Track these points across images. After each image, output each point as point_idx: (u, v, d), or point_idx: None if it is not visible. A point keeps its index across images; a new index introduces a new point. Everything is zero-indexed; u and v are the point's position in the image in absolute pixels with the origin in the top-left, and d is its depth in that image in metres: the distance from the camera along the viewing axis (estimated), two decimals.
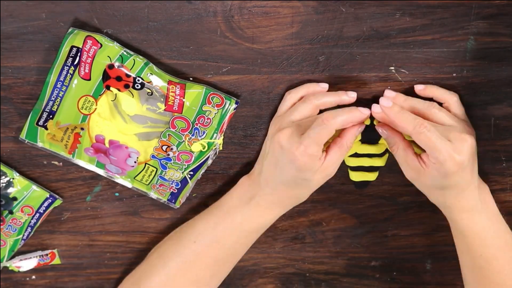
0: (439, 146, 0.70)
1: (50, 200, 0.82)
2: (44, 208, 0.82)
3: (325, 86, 0.76)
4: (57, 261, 0.87)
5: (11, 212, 0.82)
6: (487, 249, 0.75)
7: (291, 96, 0.76)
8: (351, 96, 0.75)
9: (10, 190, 0.81)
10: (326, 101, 0.75)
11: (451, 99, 0.76)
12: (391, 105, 0.72)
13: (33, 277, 0.88)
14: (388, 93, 0.75)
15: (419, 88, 0.76)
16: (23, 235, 0.83)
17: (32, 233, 0.84)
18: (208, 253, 0.78)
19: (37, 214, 0.83)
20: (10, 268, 0.86)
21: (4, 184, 0.81)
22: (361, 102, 0.78)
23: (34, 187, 0.81)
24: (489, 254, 0.75)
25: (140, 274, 0.80)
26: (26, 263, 0.86)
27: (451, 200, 0.75)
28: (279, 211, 0.78)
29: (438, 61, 0.76)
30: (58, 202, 0.83)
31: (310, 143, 0.71)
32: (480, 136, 0.80)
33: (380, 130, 0.76)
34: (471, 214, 0.75)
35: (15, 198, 0.81)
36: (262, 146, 0.80)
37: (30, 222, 0.83)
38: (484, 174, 0.83)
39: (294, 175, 0.73)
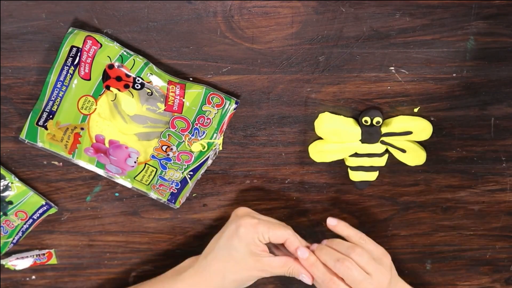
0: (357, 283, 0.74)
1: (45, 208, 0.82)
2: (38, 215, 0.82)
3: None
4: (53, 260, 0.87)
5: (5, 214, 0.82)
6: None
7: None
8: (304, 255, 0.76)
9: (7, 193, 0.81)
10: (294, 240, 0.77)
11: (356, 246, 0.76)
12: (307, 256, 0.76)
13: (33, 277, 0.88)
14: (302, 251, 0.77)
15: (331, 224, 0.78)
16: (13, 239, 0.83)
17: (22, 237, 0.84)
18: None
19: (30, 220, 0.83)
20: (6, 266, 0.86)
21: (2, 188, 0.81)
22: (357, 105, 0.78)
23: (31, 193, 0.81)
24: None
25: None
26: (22, 262, 0.86)
27: None
28: None
29: (438, 61, 0.76)
30: (53, 210, 0.83)
31: (263, 223, 0.75)
32: (480, 136, 0.80)
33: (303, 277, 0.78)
34: None
35: (10, 202, 0.81)
36: (261, 149, 0.80)
37: (22, 227, 0.83)
38: (484, 174, 0.83)
39: (233, 244, 0.75)
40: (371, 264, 0.75)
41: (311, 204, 0.85)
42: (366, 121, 0.78)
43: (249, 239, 0.75)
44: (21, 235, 0.83)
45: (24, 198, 0.81)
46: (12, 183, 0.81)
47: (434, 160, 0.82)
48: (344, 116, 0.79)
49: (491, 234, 0.87)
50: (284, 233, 0.76)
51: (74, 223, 0.85)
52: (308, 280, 0.76)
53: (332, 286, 0.74)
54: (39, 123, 0.77)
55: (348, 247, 0.76)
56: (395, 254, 0.88)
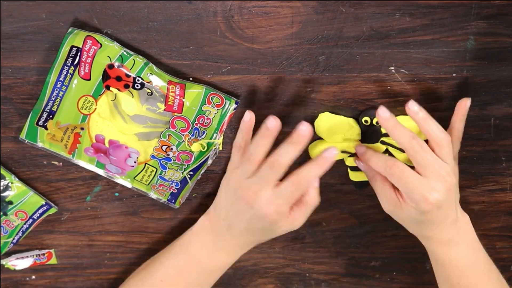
0: (411, 187, 0.71)
1: (45, 208, 0.82)
2: (38, 215, 0.82)
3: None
4: (53, 260, 0.87)
5: (5, 214, 0.82)
6: (465, 278, 0.76)
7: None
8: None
9: (7, 193, 0.81)
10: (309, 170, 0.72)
11: (442, 140, 0.73)
12: (364, 150, 0.75)
13: (33, 277, 0.88)
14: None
15: (420, 118, 0.73)
16: (13, 239, 0.83)
17: (22, 237, 0.84)
18: None
19: (30, 220, 0.83)
20: (6, 266, 0.86)
21: (2, 187, 0.81)
22: (357, 105, 0.78)
23: (31, 193, 0.81)
24: (467, 282, 0.76)
25: None
26: (22, 262, 0.86)
27: (428, 233, 0.76)
28: (240, 252, 0.78)
29: (438, 61, 0.76)
30: (53, 210, 0.83)
31: (282, 203, 0.71)
32: (480, 136, 0.80)
33: (358, 163, 0.78)
34: (449, 246, 0.76)
35: (10, 202, 0.81)
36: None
37: (22, 227, 0.83)
38: (484, 174, 0.83)
39: (262, 227, 0.73)
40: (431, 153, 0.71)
41: None
42: (366, 121, 0.78)
43: (276, 220, 0.72)
44: (21, 235, 0.83)
45: (24, 198, 0.81)
46: (12, 183, 0.81)
47: None
48: (344, 116, 0.79)
49: (491, 234, 0.87)
50: (303, 188, 0.72)
51: (74, 223, 0.85)
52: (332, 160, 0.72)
53: (396, 170, 0.71)
54: (39, 123, 0.77)
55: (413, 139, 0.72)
56: (395, 254, 0.88)
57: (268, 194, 0.71)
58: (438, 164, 0.71)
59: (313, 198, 0.74)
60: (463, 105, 0.75)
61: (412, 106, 0.72)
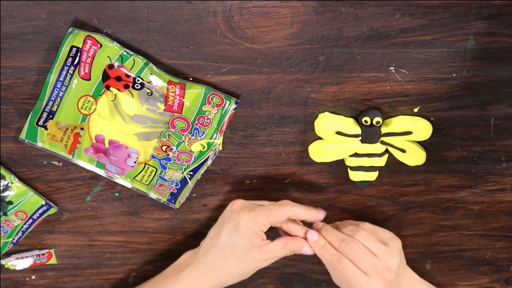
0: (353, 283, 0.75)
1: (45, 208, 0.82)
2: (38, 215, 0.82)
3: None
4: (53, 261, 0.87)
5: (5, 214, 0.82)
6: None
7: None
8: (321, 215, 0.78)
9: (6, 193, 0.81)
10: (296, 211, 0.77)
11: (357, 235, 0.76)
12: (316, 239, 0.76)
13: (33, 277, 0.88)
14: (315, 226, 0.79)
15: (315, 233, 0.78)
16: (13, 239, 0.83)
17: (22, 237, 0.84)
18: None
19: (30, 220, 0.83)
20: (6, 266, 0.86)
21: (2, 188, 0.81)
22: (357, 105, 0.78)
23: (31, 193, 0.81)
24: None
25: None
26: (22, 262, 0.86)
27: None
28: (208, 285, 0.78)
29: (438, 61, 0.76)
30: (53, 210, 0.83)
31: (261, 214, 0.74)
32: (480, 136, 0.80)
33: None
34: None
35: (10, 202, 0.81)
36: (260, 149, 0.80)
37: (22, 227, 0.83)
38: (484, 174, 0.83)
39: (235, 241, 0.75)
40: (377, 246, 0.75)
41: (311, 204, 0.85)
42: (366, 121, 0.78)
43: (250, 234, 0.75)
44: (21, 235, 0.83)
45: (24, 198, 0.81)
46: (12, 183, 0.81)
47: (434, 160, 0.82)
48: (344, 116, 0.79)
49: (491, 234, 0.87)
50: (282, 215, 0.76)
51: (74, 223, 0.85)
52: (310, 252, 0.77)
53: (339, 266, 0.75)
54: (39, 123, 0.77)
55: (353, 229, 0.76)
56: None
57: (245, 201, 0.77)
58: (374, 262, 0.74)
59: (295, 246, 0.77)
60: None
61: (311, 236, 0.77)
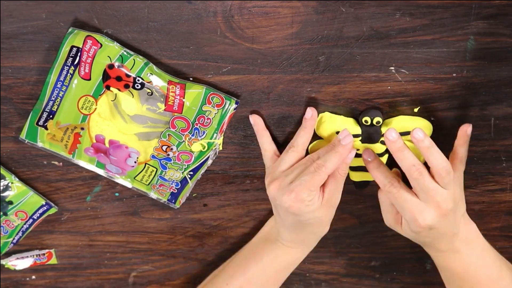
0: (405, 207, 0.73)
1: (45, 208, 0.82)
2: (38, 215, 0.83)
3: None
4: (53, 261, 0.87)
5: (5, 214, 0.82)
6: (467, 283, 0.77)
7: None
8: (350, 149, 0.74)
9: (7, 193, 0.81)
10: (332, 162, 0.73)
11: (442, 169, 0.72)
12: (371, 158, 0.75)
13: (33, 277, 0.88)
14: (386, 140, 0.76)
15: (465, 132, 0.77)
16: (13, 239, 0.83)
17: (22, 237, 0.84)
18: None
19: (30, 220, 0.83)
20: (6, 266, 0.86)
21: (2, 187, 0.81)
22: (357, 105, 0.78)
23: (31, 193, 0.81)
24: (468, 286, 0.78)
25: None
26: (22, 262, 0.86)
27: (427, 243, 0.77)
28: (303, 249, 0.81)
29: (438, 61, 0.76)
30: (53, 210, 0.83)
31: (301, 189, 0.72)
32: (480, 136, 0.80)
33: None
34: (448, 254, 0.77)
35: (11, 202, 0.81)
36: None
37: (22, 227, 0.83)
38: (484, 174, 0.83)
39: (295, 220, 0.75)
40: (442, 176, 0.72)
41: None
42: (366, 121, 0.78)
43: (304, 209, 0.73)
44: (21, 235, 0.83)
45: (24, 198, 0.81)
46: (12, 183, 0.81)
47: None
48: (344, 116, 0.79)
49: (491, 234, 0.87)
50: (322, 179, 0.73)
51: (74, 223, 0.85)
52: (351, 139, 0.74)
53: (393, 190, 0.73)
54: (39, 123, 0.77)
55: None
56: (395, 254, 0.88)
57: (286, 185, 0.74)
58: (435, 190, 0.72)
59: (342, 170, 0.75)
60: (465, 131, 0.76)
61: (417, 133, 0.71)
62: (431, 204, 0.72)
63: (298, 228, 0.77)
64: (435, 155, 0.71)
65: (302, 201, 0.73)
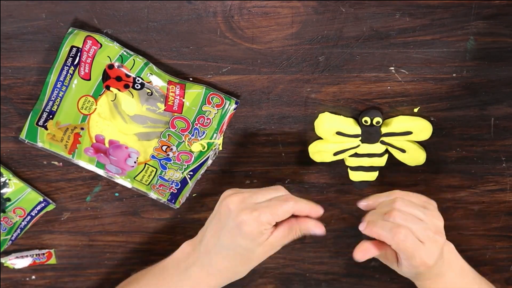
0: (414, 254, 0.70)
1: (43, 204, 0.82)
2: (36, 212, 0.83)
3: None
4: (53, 260, 0.87)
5: (3, 211, 0.82)
6: None
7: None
8: (321, 211, 0.72)
9: (4, 190, 0.81)
10: (300, 206, 0.71)
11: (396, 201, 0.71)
12: (365, 227, 0.72)
13: (33, 277, 0.88)
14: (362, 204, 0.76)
15: (362, 205, 0.75)
16: (12, 236, 0.83)
17: (20, 234, 0.84)
18: None
19: (29, 217, 0.83)
20: (5, 265, 0.86)
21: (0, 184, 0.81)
22: (357, 105, 0.78)
23: (29, 190, 0.81)
24: None
25: None
26: (21, 261, 0.86)
27: (417, 277, 0.76)
28: (214, 285, 0.74)
29: (438, 61, 0.76)
30: (51, 207, 0.83)
31: (265, 211, 0.68)
32: (480, 136, 0.80)
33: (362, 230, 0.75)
34: (435, 279, 0.75)
35: (8, 199, 0.81)
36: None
37: (20, 224, 0.83)
38: (484, 174, 0.83)
39: (238, 242, 0.70)
40: (420, 210, 0.70)
41: None
42: (366, 121, 0.78)
43: (254, 234, 0.69)
44: (19, 232, 0.83)
45: (22, 195, 0.81)
46: (9, 180, 0.81)
47: (434, 160, 0.82)
48: (344, 116, 0.79)
49: (491, 234, 0.87)
50: (287, 211, 0.70)
51: (74, 223, 0.85)
52: (321, 231, 0.72)
53: (401, 237, 0.69)
54: (39, 123, 0.77)
55: (388, 202, 0.71)
56: None
57: (252, 204, 0.70)
58: (424, 227, 0.70)
59: (302, 228, 0.72)
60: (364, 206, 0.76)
61: (361, 227, 0.72)
62: (430, 243, 0.70)
63: (230, 255, 0.71)
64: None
65: (261, 224, 0.69)
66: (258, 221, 0.68)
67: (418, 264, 0.70)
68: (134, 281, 0.78)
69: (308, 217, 0.72)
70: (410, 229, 0.69)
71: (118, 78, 0.75)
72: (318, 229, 0.71)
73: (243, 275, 0.74)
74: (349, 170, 0.82)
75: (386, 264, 0.76)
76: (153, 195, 0.82)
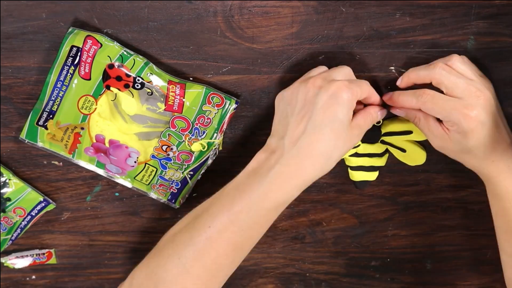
0: (448, 108, 0.69)
1: (43, 204, 0.82)
2: (36, 211, 0.83)
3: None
4: (53, 260, 0.87)
5: (3, 211, 0.82)
6: None
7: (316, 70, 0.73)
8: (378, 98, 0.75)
9: (5, 190, 0.81)
10: (373, 93, 0.73)
11: (450, 61, 0.72)
12: (390, 95, 0.74)
13: (33, 277, 0.88)
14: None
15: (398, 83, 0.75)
16: (12, 236, 0.84)
17: (21, 234, 0.84)
18: (224, 238, 0.70)
19: (29, 217, 0.83)
20: (5, 264, 0.86)
21: (0, 184, 0.81)
22: None
23: (29, 189, 0.81)
24: None
25: (154, 266, 0.72)
26: (22, 261, 0.86)
27: (484, 162, 0.72)
28: (299, 183, 0.68)
29: None
30: (51, 206, 0.83)
31: (355, 83, 0.68)
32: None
33: (396, 111, 0.76)
34: (508, 175, 0.71)
35: (8, 199, 0.81)
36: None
37: (20, 223, 0.83)
38: None
39: (335, 114, 0.66)
40: (471, 70, 0.70)
41: (311, 204, 0.85)
42: None
43: (350, 102, 0.66)
44: (19, 231, 0.84)
45: (22, 195, 0.82)
46: (10, 179, 0.81)
47: (434, 160, 0.82)
48: None
49: (491, 234, 0.87)
50: (368, 91, 0.70)
51: (74, 223, 0.85)
52: (385, 112, 0.74)
53: (427, 97, 0.70)
54: (39, 123, 0.77)
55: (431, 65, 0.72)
56: (395, 254, 0.88)
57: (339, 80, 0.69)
58: (464, 81, 0.69)
59: (374, 111, 0.72)
60: (389, 97, 0.75)
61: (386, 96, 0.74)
62: (469, 96, 0.69)
63: (322, 132, 0.66)
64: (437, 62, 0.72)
65: (353, 94, 0.67)
66: (351, 90, 0.67)
67: (458, 117, 0.68)
68: (204, 213, 0.71)
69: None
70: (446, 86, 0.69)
71: (118, 78, 0.75)
72: (385, 111, 0.74)
73: (330, 168, 0.69)
74: (349, 170, 0.82)
75: (440, 145, 0.74)
76: (153, 195, 0.82)
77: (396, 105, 0.74)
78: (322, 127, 0.66)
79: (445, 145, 0.73)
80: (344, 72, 0.71)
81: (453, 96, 0.70)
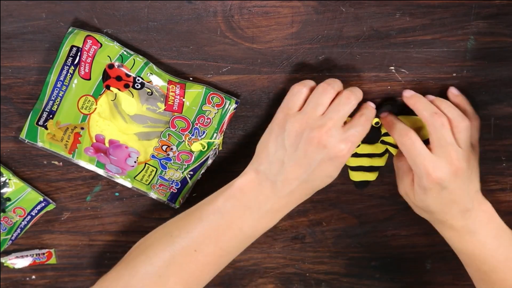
0: (417, 160, 0.71)
1: (43, 204, 0.82)
2: (36, 211, 0.82)
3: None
4: (53, 260, 0.87)
5: (3, 211, 0.82)
6: (484, 264, 0.75)
7: (301, 90, 0.72)
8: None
9: (4, 190, 0.81)
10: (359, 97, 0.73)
11: (459, 126, 0.72)
12: (386, 115, 0.75)
13: (33, 277, 0.88)
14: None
15: (452, 93, 0.76)
16: (12, 236, 0.83)
17: (20, 234, 0.84)
18: (210, 261, 0.73)
19: (29, 217, 0.83)
20: (5, 264, 0.86)
21: (0, 184, 0.81)
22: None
23: (29, 189, 0.81)
24: (487, 268, 0.75)
25: (126, 275, 0.73)
26: (22, 261, 0.86)
27: (439, 217, 0.75)
28: (283, 214, 0.73)
29: (438, 61, 0.76)
30: (51, 206, 0.83)
31: (355, 142, 0.70)
32: (480, 136, 0.80)
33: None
34: (463, 234, 0.75)
35: (8, 199, 0.81)
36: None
37: (20, 223, 0.83)
38: (484, 174, 0.83)
39: (329, 170, 0.70)
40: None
41: (311, 204, 0.85)
42: None
43: (346, 160, 0.70)
44: (19, 231, 0.83)
45: (22, 195, 0.81)
46: (9, 179, 0.81)
47: None
48: None
49: None
50: (353, 108, 0.71)
51: (74, 223, 0.85)
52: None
53: (407, 141, 0.71)
54: (39, 123, 0.77)
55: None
56: (395, 254, 0.88)
57: (340, 132, 0.69)
58: (452, 145, 0.71)
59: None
60: (452, 93, 0.76)
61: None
62: (444, 159, 0.70)
63: (314, 180, 0.71)
64: (454, 111, 0.72)
65: (352, 149, 0.69)
66: (352, 149, 0.70)
67: (421, 173, 0.70)
68: (183, 233, 0.72)
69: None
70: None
71: (118, 78, 0.75)
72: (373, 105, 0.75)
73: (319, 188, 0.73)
74: (349, 170, 0.82)
75: (404, 192, 0.76)
76: (153, 195, 0.82)
77: (386, 125, 0.76)
78: (316, 181, 0.71)
79: (408, 194, 0.77)
80: (326, 99, 0.71)
81: (432, 151, 0.71)
